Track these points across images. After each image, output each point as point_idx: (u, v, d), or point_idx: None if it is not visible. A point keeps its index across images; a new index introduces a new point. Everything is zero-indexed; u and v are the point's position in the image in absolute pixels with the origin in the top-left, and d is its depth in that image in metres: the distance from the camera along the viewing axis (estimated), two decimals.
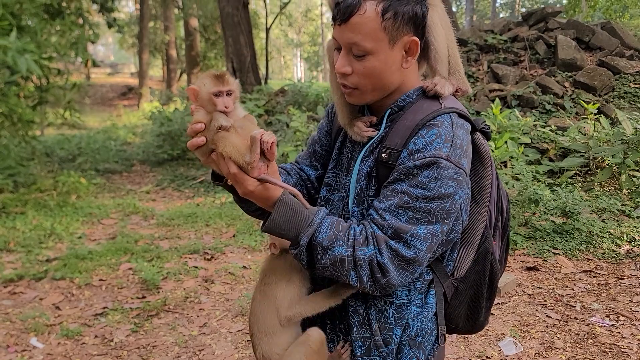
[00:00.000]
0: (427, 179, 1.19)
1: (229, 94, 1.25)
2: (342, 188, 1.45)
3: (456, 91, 1.40)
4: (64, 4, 8.23)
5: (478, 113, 7.41)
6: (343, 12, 1.22)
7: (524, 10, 30.38)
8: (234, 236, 5.44)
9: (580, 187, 5.67)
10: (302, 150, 1.72)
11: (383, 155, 1.28)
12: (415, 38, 1.26)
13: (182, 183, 8.38)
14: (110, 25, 13.42)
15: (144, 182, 8.81)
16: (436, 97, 1.32)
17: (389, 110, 1.35)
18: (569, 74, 7.78)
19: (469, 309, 1.42)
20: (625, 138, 5.53)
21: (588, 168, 5.95)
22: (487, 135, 1.39)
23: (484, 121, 1.39)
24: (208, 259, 4.83)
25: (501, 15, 33.20)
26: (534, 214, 5.06)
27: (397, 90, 1.35)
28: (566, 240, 4.51)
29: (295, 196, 1.24)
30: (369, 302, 1.34)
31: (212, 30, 22.41)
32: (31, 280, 4.40)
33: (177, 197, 7.61)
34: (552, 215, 4.96)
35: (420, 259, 1.21)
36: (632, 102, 7.16)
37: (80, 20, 8.97)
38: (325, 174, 1.55)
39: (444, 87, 1.33)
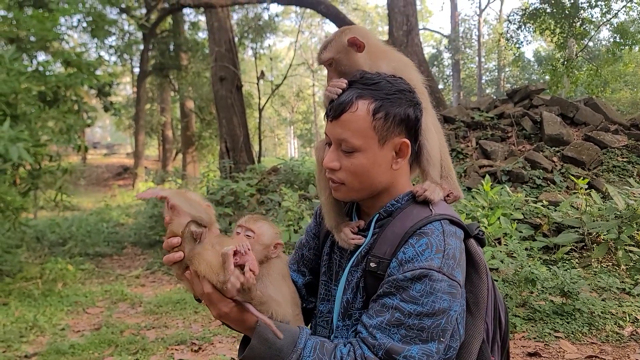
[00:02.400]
0: (419, 293, 1.12)
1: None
2: (331, 298, 1.38)
3: (447, 196, 1.37)
4: (60, 92, 8.42)
5: (469, 189, 7.43)
6: (335, 109, 1.24)
7: (508, 85, 31.52)
8: (223, 324, 5.24)
9: (577, 263, 5.58)
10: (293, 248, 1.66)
11: (371, 264, 1.22)
12: (406, 140, 1.26)
13: None
14: (106, 109, 13.74)
15: (134, 266, 8.64)
16: (426, 202, 1.28)
17: (377, 215, 1.31)
18: (557, 148, 7.91)
19: None
20: (618, 213, 5.51)
21: (584, 243, 5.89)
22: (481, 242, 1.33)
23: (478, 226, 1.33)
24: (195, 350, 4.61)
25: (487, 91, 34.38)
26: (531, 293, 4.93)
27: (386, 191, 1.31)
28: (567, 322, 4.35)
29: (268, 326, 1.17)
30: None
31: (207, 111, 22.98)
32: None
33: (167, 281, 7.42)
34: (550, 294, 4.83)
35: None
36: (622, 176, 7.22)
37: (76, 107, 9.16)
38: (313, 281, 1.49)
39: (434, 193, 1.30)
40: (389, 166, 1.28)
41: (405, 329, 1.12)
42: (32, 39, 9.61)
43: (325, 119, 1.30)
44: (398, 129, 1.25)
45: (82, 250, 9.30)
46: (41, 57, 9.94)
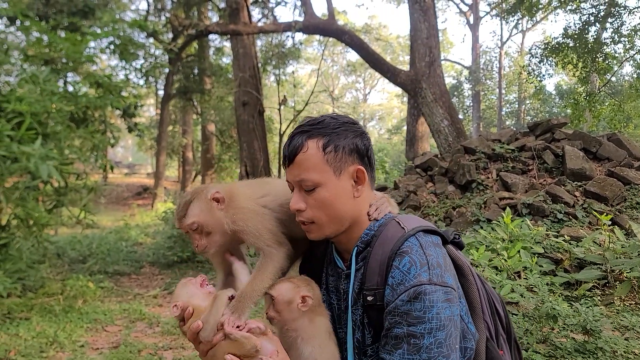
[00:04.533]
0: (421, 312, 1.16)
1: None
2: (339, 342, 1.42)
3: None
4: (89, 112, 8.66)
5: (489, 221, 7.40)
6: (289, 155, 1.33)
7: (529, 118, 31.40)
8: None
9: (599, 300, 5.49)
10: None
11: (368, 298, 1.27)
12: (361, 167, 1.33)
13: None
14: (130, 130, 14.02)
15: (152, 285, 8.70)
16: (394, 220, 1.34)
17: (356, 248, 1.35)
18: (579, 183, 7.85)
19: None
20: None
21: (606, 281, 5.80)
22: (459, 245, 1.39)
23: (454, 231, 1.39)
24: None
25: (507, 123, 34.29)
26: (552, 329, 4.86)
27: (356, 223, 1.36)
28: None
29: None
30: None
31: (228, 134, 23.30)
32: None
33: None
34: (572, 331, 4.75)
35: None
36: None
37: (102, 127, 9.38)
38: None
39: (383, 204, 1.38)
40: (350, 195, 1.34)
41: (425, 351, 1.15)
42: (64, 60, 9.93)
43: (284, 168, 1.38)
44: (350, 158, 1.32)
45: (102, 268, 9.41)
46: (71, 78, 10.22)
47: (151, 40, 22.02)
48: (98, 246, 11.11)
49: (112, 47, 13.02)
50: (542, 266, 6.01)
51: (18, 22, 9.96)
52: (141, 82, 21.37)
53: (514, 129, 10.63)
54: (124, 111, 13.10)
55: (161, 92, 24.93)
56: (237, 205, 1.44)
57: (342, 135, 1.31)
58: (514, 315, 5.26)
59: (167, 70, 21.95)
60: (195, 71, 22.39)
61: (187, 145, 26.41)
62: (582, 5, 15.03)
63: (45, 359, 4.91)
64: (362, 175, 1.33)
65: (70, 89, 8.91)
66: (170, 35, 21.78)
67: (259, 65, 15.58)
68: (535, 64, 16.08)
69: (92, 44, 10.44)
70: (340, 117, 1.35)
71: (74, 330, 5.77)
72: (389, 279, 1.22)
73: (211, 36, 20.66)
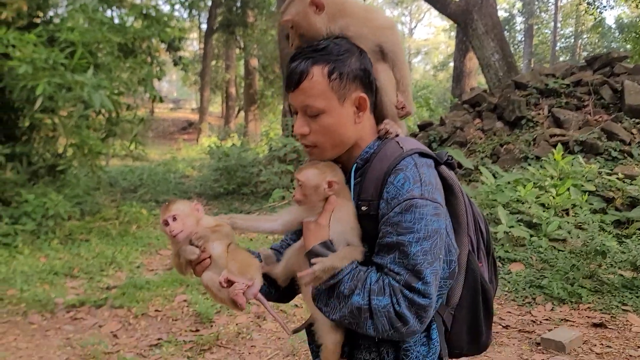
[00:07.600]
0: (411, 222, 1.24)
1: (174, 219, 1.38)
2: None
3: (402, 108, 1.45)
4: (136, 44, 8.73)
5: (538, 158, 7.22)
6: (294, 80, 1.35)
7: (585, 54, 29.73)
8: None
9: None
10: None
11: (362, 208, 1.35)
12: (363, 94, 1.37)
13: None
14: (175, 63, 14.09)
15: None
16: (394, 141, 1.39)
17: (355, 165, 1.42)
18: (637, 120, 7.48)
19: (470, 332, 1.47)
20: None
21: None
22: (451, 167, 1.45)
23: (447, 153, 1.44)
24: None
25: (561, 59, 32.59)
26: (599, 265, 4.81)
27: (356, 145, 1.42)
28: (637, 296, 4.24)
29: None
30: (380, 348, 1.36)
31: (270, 69, 23.13)
32: (92, 307, 4.55)
33: None
34: (620, 268, 4.70)
35: (433, 302, 1.26)
36: None
37: (149, 59, 9.47)
38: None
39: (393, 127, 1.42)
40: (352, 121, 1.38)
41: (412, 258, 1.23)
42: None
43: (286, 90, 1.39)
44: (353, 85, 1.35)
45: (152, 197, 9.80)
46: (116, 11, 10.25)
47: None
48: (148, 177, 11.53)
49: None
50: (593, 204, 5.87)
51: None
52: (185, 15, 21.22)
53: (570, 64, 10.10)
54: (169, 44, 13.13)
55: (204, 26, 24.76)
56: (349, 14, 1.44)
57: (346, 62, 1.34)
58: (560, 252, 5.23)
59: (210, 3, 21.69)
60: (238, 4, 22.02)
61: (230, 80, 26.45)
62: None
63: (106, 277, 5.25)
64: (364, 103, 1.37)
65: (117, 21, 8.95)
66: None
67: None
68: None
69: None
70: (342, 43, 1.37)
71: (129, 252, 6.11)
72: (384, 193, 1.29)
73: None
